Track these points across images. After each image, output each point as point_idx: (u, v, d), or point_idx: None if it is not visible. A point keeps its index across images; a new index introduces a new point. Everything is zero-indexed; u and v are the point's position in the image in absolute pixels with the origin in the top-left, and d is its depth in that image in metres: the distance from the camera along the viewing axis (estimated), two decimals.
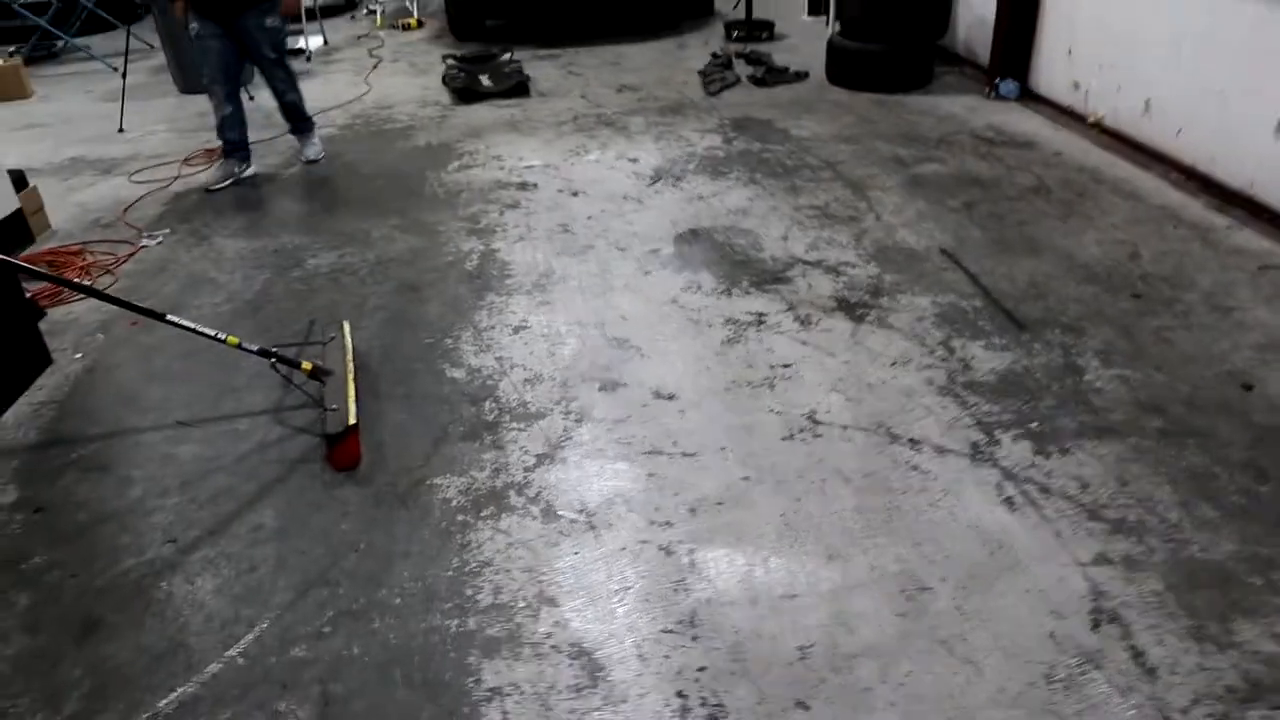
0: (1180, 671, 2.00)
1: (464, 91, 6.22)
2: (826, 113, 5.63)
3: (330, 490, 2.57)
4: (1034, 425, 2.69)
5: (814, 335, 3.19)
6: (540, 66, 6.96)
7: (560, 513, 2.43)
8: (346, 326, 3.22)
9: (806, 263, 3.72)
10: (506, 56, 6.80)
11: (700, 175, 4.71)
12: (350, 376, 2.87)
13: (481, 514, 2.45)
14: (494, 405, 2.90)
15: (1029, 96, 5.60)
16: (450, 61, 6.76)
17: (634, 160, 4.96)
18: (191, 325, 2.80)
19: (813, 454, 2.60)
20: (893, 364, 3.01)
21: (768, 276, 3.62)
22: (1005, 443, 2.63)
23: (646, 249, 3.92)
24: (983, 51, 6.00)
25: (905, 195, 4.33)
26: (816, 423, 2.73)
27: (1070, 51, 5.19)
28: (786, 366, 3.02)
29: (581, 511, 2.43)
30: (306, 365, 2.86)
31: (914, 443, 2.64)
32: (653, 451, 2.64)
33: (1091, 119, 5.01)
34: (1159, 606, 2.14)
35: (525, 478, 2.56)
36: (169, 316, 2.79)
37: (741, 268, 3.71)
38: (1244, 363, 2.93)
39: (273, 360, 2.82)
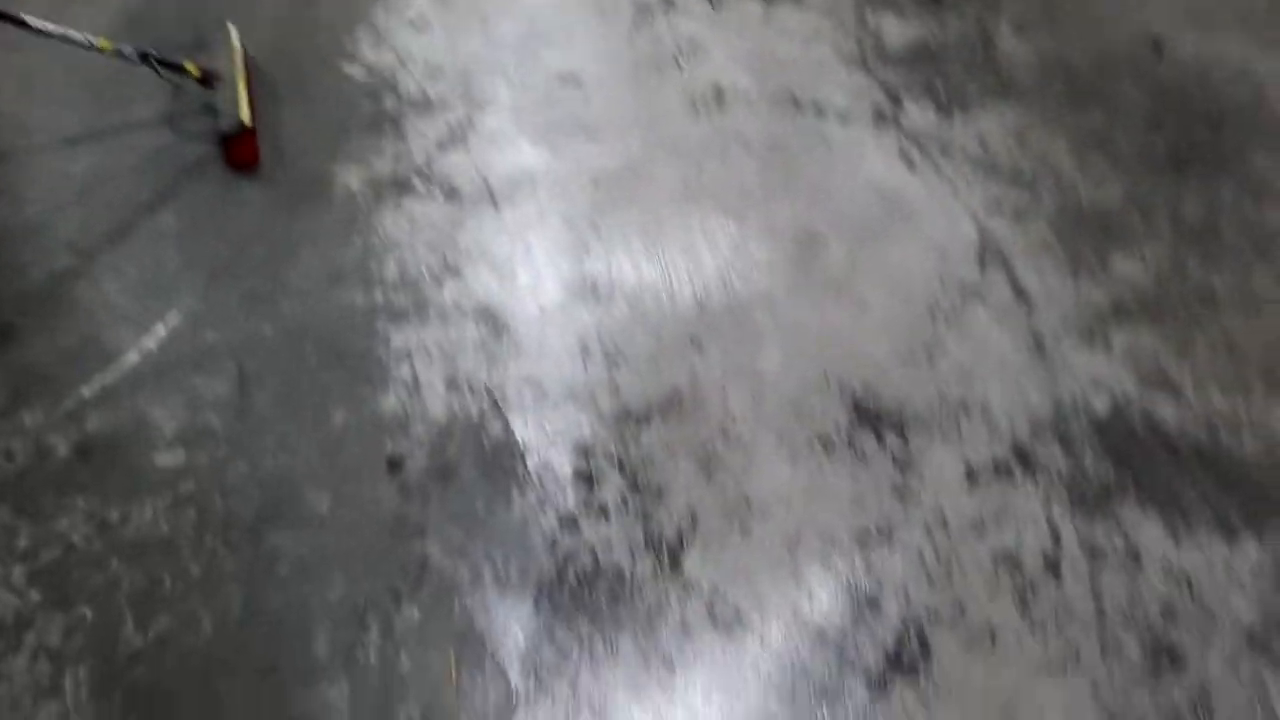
0: (1055, 300, 2.13)
1: None
2: None
3: (230, 190, 2.52)
4: (940, 92, 2.68)
5: (724, 16, 3.07)
6: None
7: (464, 192, 2.42)
8: (233, 30, 3.03)
9: None
10: None
11: None
12: (241, 78, 2.73)
13: (385, 199, 2.43)
14: (394, 99, 2.80)
15: None
16: None
17: None
18: (58, 29, 2.61)
19: (717, 127, 2.58)
20: (804, 40, 2.93)
21: None
22: (910, 109, 2.62)
23: None
24: None
25: None
26: (722, 96, 2.69)
27: None
28: (695, 47, 2.93)
29: (485, 189, 2.42)
30: (191, 67, 2.71)
31: (819, 111, 2.62)
32: (557, 133, 2.60)
33: None
34: (1043, 247, 2.24)
35: (428, 163, 2.53)
36: (29, 20, 2.59)
37: None
38: (1160, 25, 2.90)
39: (153, 64, 2.66)
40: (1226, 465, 1.87)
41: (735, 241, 2.24)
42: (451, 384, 2.00)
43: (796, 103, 2.65)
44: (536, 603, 1.69)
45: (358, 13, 3.25)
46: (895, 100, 2.65)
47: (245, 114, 2.56)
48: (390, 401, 1.97)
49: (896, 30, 2.95)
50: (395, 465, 1.87)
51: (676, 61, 2.86)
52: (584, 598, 1.69)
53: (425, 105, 2.75)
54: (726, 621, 1.65)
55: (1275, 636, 1.63)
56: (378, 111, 2.75)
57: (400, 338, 2.08)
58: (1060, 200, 2.34)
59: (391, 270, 2.23)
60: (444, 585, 1.72)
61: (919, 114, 2.60)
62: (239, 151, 2.55)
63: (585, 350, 2.03)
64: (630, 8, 3.14)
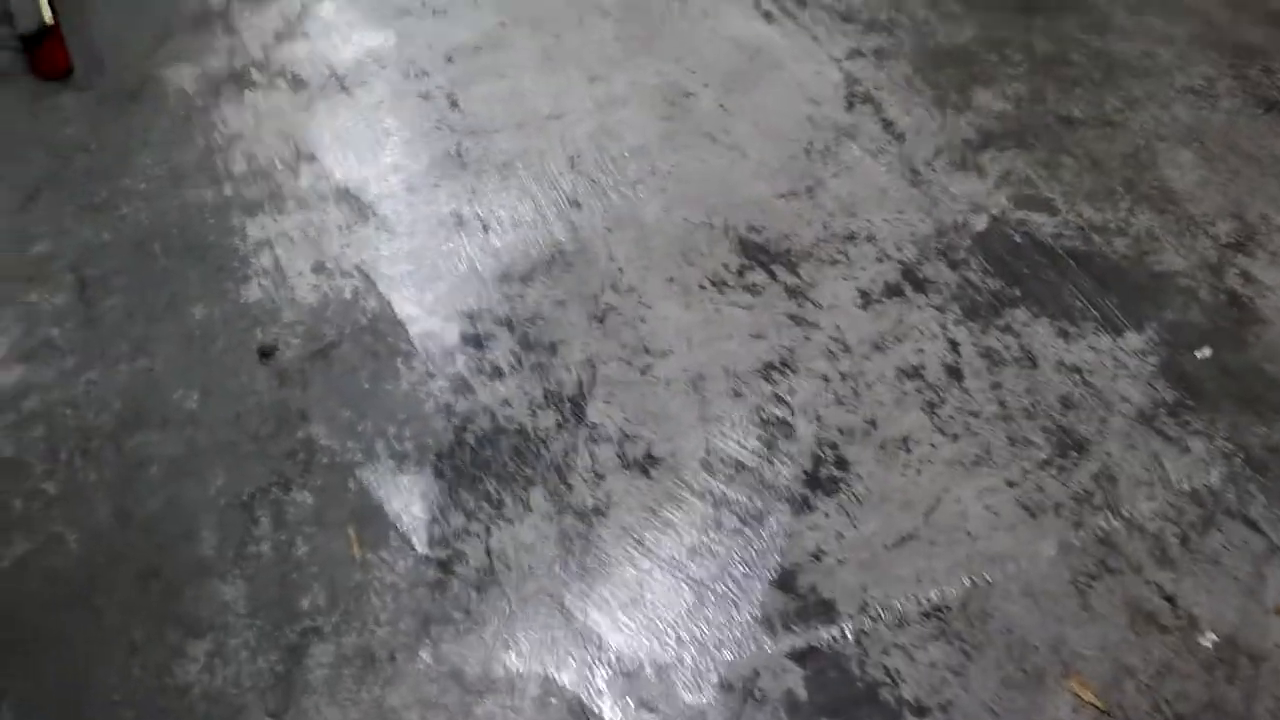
0: (924, 132, 2.14)
1: None
2: None
3: (42, 100, 2.28)
4: None
5: None
6: None
7: (308, 79, 2.26)
8: None
9: None
10: None
11: None
12: None
13: (223, 95, 2.24)
14: None
15: None
16: None
17: None
18: None
19: None
20: None
21: None
22: None
23: None
24: None
25: None
26: None
27: None
28: None
29: (331, 75, 2.26)
30: None
31: None
32: (401, 13, 2.45)
33: None
34: (907, 86, 2.25)
35: (266, 55, 2.35)
36: None
37: None
38: None
39: None
40: (1102, 267, 1.93)
41: (601, 102, 2.16)
42: (319, 268, 1.86)
43: None
44: (437, 470, 1.59)
45: None
46: None
47: (46, 12, 2.31)
48: (254, 291, 1.82)
49: None
50: (267, 353, 1.73)
51: None
52: (487, 459, 1.60)
53: None
54: (639, 462, 1.60)
55: (1162, 413, 1.69)
56: (204, 6, 2.53)
57: (257, 227, 1.93)
58: (918, 42, 2.36)
59: (240, 163, 2.06)
60: (336, 466, 1.60)
61: None
62: (46, 57, 2.31)
63: (459, 220, 1.93)
64: None
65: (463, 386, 1.69)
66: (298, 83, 2.24)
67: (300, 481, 1.59)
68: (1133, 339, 1.82)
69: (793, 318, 1.80)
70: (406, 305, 1.80)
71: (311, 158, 2.06)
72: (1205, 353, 1.80)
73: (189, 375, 1.71)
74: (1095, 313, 1.86)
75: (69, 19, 2.42)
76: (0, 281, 1.86)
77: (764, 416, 1.66)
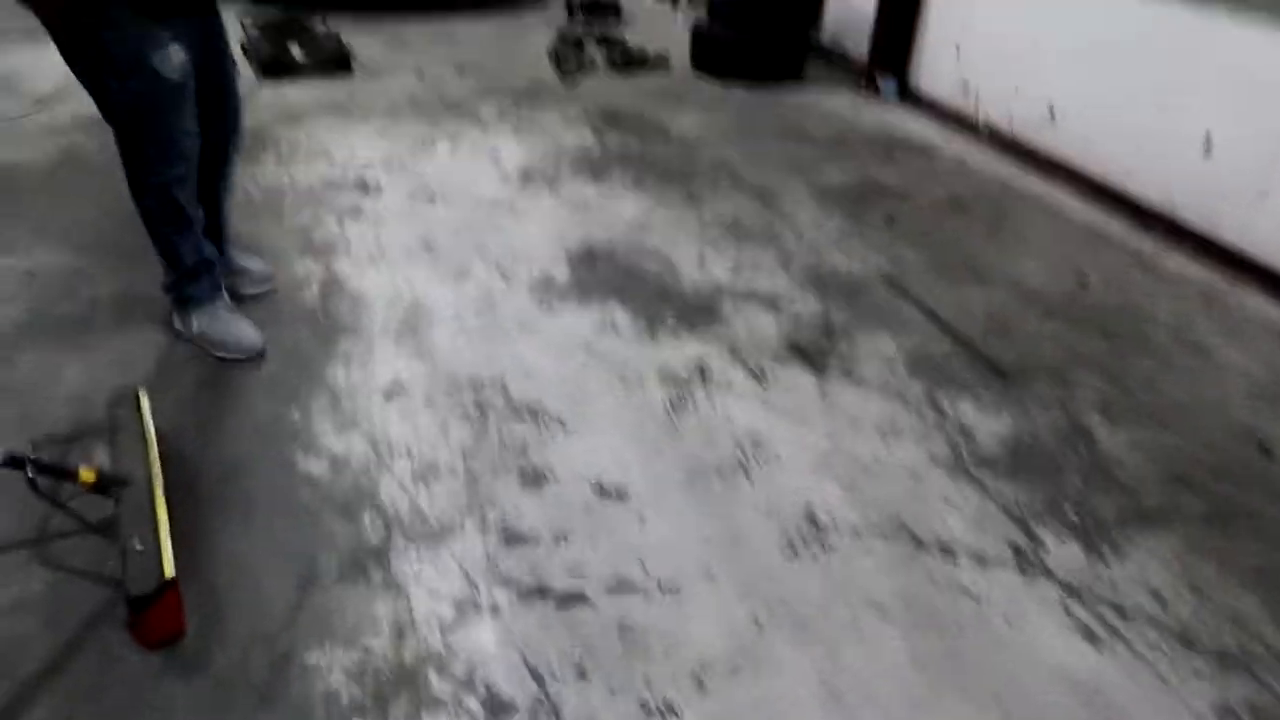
0: None
1: (272, 64, 5.10)
2: (701, 105, 5.03)
3: (141, 685, 1.67)
4: (1070, 514, 2.20)
5: (775, 395, 2.57)
6: (360, 39, 5.89)
7: (512, 699, 1.66)
8: (144, 397, 2.26)
9: (736, 294, 3.09)
10: (319, 24, 5.71)
11: (578, 178, 3.96)
12: (158, 485, 1.95)
13: (390, 714, 1.64)
14: (377, 517, 2.06)
15: (910, 96, 5.24)
16: (248, 25, 5.57)
17: (495, 157, 4.14)
18: None
19: (829, 575, 1.97)
20: (881, 434, 2.43)
21: (695, 312, 2.96)
22: (1049, 543, 2.11)
23: (536, 273, 3.15)
24: (853, 44, 5.60)
25: (819, 208, 3.79)
26: (818, 526, 2.11)
27: (959, 49, 4.84)
28: (756, 442, 2.37)
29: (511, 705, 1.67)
30: (87, 474, 1.90)
31: (946, 550, 2.06)
32: (616, 584, 1.91)
33: (983, 124, 4.69)
34: None
35: (446, 643, 1.77)
36: None
37: (660, 300, 3.02)
38: (1246, 416, 2.59)
39: (28, 470, 1.84)
40: None
41: None
42: None
43: (914, 538, 2.09)
44: None
45: (308, 370, 2.56)
46: (1026, 529, 2.14)
47: (168, 562, 1.76)
48: None
49: (981, 421, 2.50)
50: None
51: (742, 466, 2.28)
52: None
53: (425, 531, 2.03)
54: None
55: None
56: (357, 540, 2.00)
57: None
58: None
59: None
60: None
61: (1063, 551, 2.09)
62: (157, 623, 1.73)
63: None
64: (657, 378, 2.60)
65: None
66: (495, 706, 1.64)
67: None
68: None
69: None
70: None
71: None
72: None
73: None
74: None
75: (183, 542, 1.87)
76: None
77: None
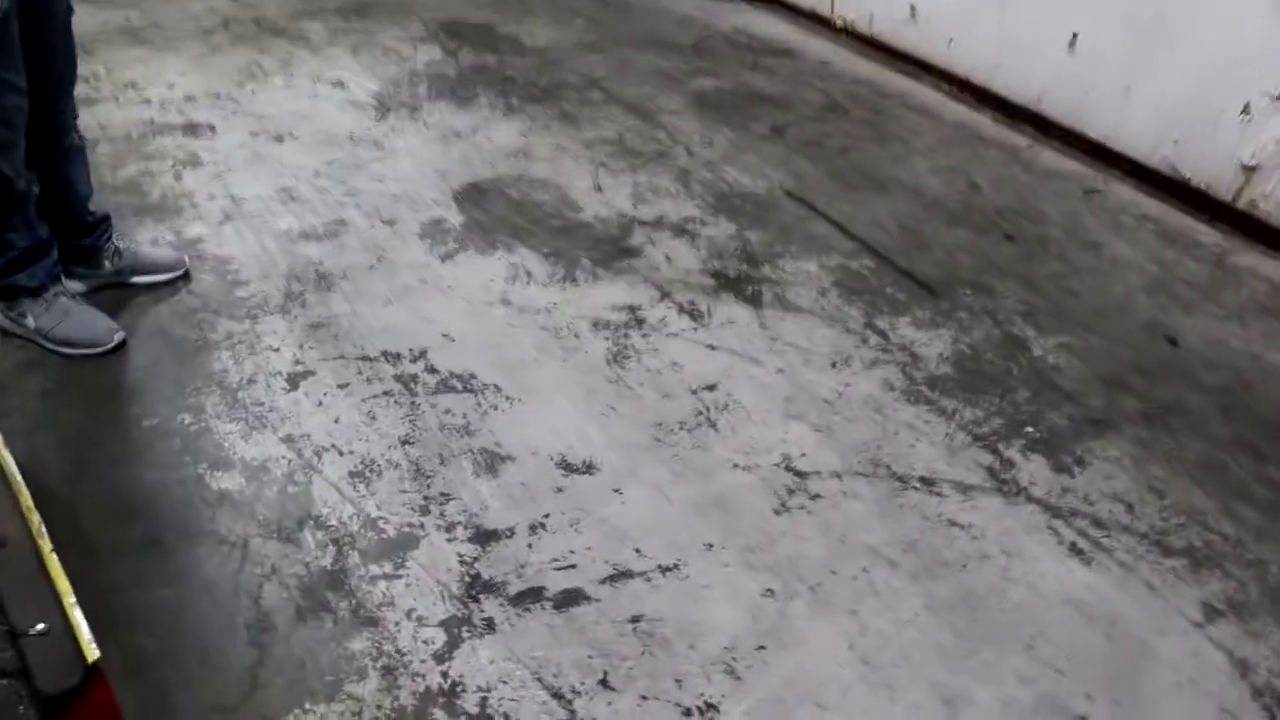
0: None
1: None
2: (549, 13, 4.67)
3: None
4: (1029, 430, 2.20)
5: (716, 333, 2.43)
6: None
7: None
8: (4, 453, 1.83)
9: (645, 222, 2.89)
10: None
11: (440, 102, 3.59)
12: (43, 542, 1.58)
13: None
14: (321, 534, 1.79)
15: None
16: None
17: (340, 84, 3.68)
18: None
19: (826, 529, 1.89)
20: (832, 364, 2.35)
21: (607, 247, 2.75)
22: (1018, 461, 2.11)
23: (425, 218, 2.83)
24: None
25: (700, 121, 3.61)
26: (800, 475, 2.01)
27: None
28: (711, 388, 2.23)
29: None
30: None
31: (927, 482, 2.02)
32: (613, 572, 1.75)
33: (839, 23, 4.61)
34: None
35: (446, 675, 1.55)
36: None
37: (566, 237, 2.79)
38: (1149, 310, 2.69)
39: None
40: None
41: None
42: None
43: (894, 474, 2.04)
44: None
45: (189, 364, 2.19)
46: (994, 451, 2.13)
47: (86, 643, 1.43)
48: None
49: (922, 341, 2.47)
50: None
51: (706, 418, 2.14)
52: None
53: (382, 543, 1.78)
54: None
55: None
56: (303, 566, 1.73)
57: None
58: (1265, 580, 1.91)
59: None
60: None
61: (1031, 467, 2.10)
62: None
63: None
64: (590, 328, 2.40)
65: None
66: None
67: None
68: None
69: None
70: None
71: None
72: None
73: None
74: None
75: (92, 618, 1.54)
76: None
77: None
